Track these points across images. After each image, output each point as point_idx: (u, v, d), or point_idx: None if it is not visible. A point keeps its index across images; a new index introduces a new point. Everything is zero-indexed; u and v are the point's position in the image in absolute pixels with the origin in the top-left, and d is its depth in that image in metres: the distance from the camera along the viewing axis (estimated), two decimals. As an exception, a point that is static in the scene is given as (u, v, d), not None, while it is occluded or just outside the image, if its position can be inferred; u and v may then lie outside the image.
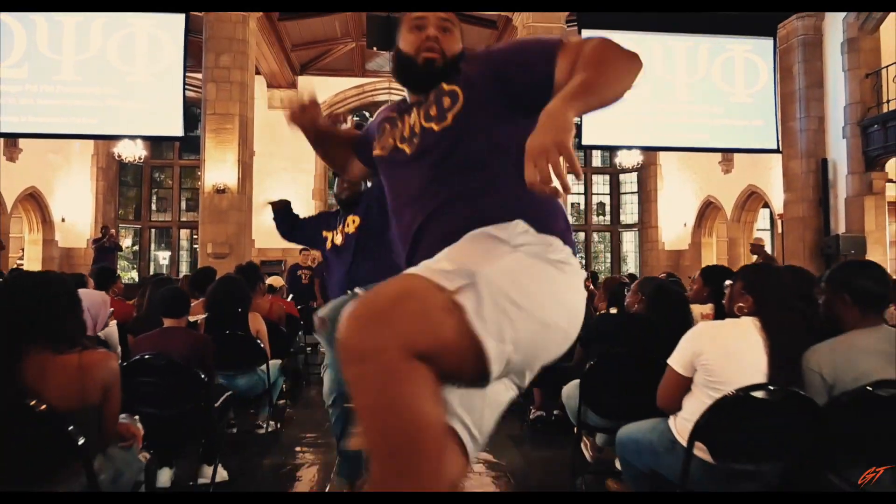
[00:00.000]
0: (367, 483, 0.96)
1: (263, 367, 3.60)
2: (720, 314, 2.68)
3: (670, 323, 2.55)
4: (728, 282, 2.29)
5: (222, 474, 2.96)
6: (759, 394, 1.77)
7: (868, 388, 1.76)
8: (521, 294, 1.05)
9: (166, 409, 2.49)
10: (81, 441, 1.54)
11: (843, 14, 10.22)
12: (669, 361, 2.03)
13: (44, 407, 1.54)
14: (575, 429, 2.71)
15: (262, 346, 3.48)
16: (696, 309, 2.89)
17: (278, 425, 4.06)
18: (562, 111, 1.04)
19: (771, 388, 1.76)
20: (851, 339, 1.83)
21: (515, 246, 1.14)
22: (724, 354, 1.89)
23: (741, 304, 1.98)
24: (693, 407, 1.91)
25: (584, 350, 2.88)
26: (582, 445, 3.28)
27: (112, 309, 4.02)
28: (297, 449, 3.82)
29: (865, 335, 1.83)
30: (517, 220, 1.17)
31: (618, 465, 2.67)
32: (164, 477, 2.74)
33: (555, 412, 4.02)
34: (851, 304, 1.87)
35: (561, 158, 0.98)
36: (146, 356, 2.43)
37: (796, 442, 1.77)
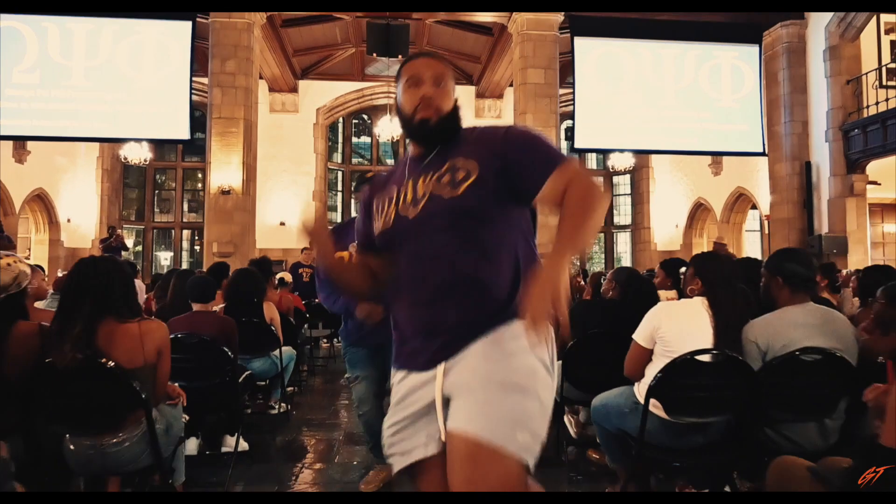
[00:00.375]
0: None
1: (276, 352, 3.94)
2: (682, 297, 3.04)
3: (641, 306, 2.90)
4: (682, 269, 2.64)
5: (243, 445, 3.31)
6: (704, 358, 2.12)
7: (796, 353, 2.12)
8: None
9: (196, 382, 2.82)
10: (144, 395, 1.89)
11: (826, 22, 10.61)
12: (634, 336, 2.39)
13: (112, 364, 1.89)
14: (556, 401, 3.05)
15: (275, 332, 3.82)
16: (663, 294, 3.24)
17: (288, 407, 4.40)
18: (560, 267, 1.24)
19: (714, 352, 2.11)
20: (783, 314, 2.19)
21: (532, 348, 1.35)
22: (677, 328, 2.24)
23: (692, 287, 2.34)
24: (652, 373, 2.26)
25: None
26: (566, 422, 3.62)
27: (146, 296, 4.36)
28: (305, 428, 4.16)
29: (794, 311, 2.19)
30: (515, 319, 1.34)
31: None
32: (192, 445, 3.08)
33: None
34: (783, 286, 2.22)
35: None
36: (180, 335, 2.77)
37: (736, 400, 2.12)
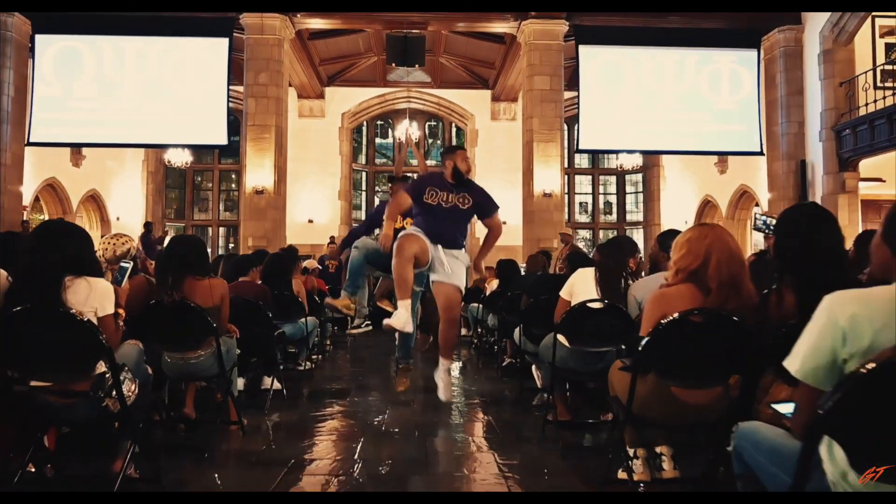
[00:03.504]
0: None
1: (303, 319, 4.90)
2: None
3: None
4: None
5: (277, 385, 4.28)
6: (596, 305, 3.02)
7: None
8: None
9: (242, 333, 3.78)
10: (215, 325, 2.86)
11: (821, 27, 11.20)
12: (560, 293, 3.28)
13: (193, 304, 2.86)
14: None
15: (302, 303, 4.79)
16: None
17: (313, 366, 5.38)
18: (480, 261, 4.10)
19: (605, 301, 3.00)
20: (656, 277, 3.04)
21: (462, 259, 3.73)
22: (586, 286, 3.15)
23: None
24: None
25: (528, 298, 4.14)
26: (534, 374, 4.48)
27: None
28: (327, 383, 5.12)
29: (660, 276, 3.04)
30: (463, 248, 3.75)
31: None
32: (240, 383, 4.05)
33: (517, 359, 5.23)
34: (667, 258, 3.08)
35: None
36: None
37: (618, 335, 3.01)
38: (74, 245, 2.17)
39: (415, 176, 5.32)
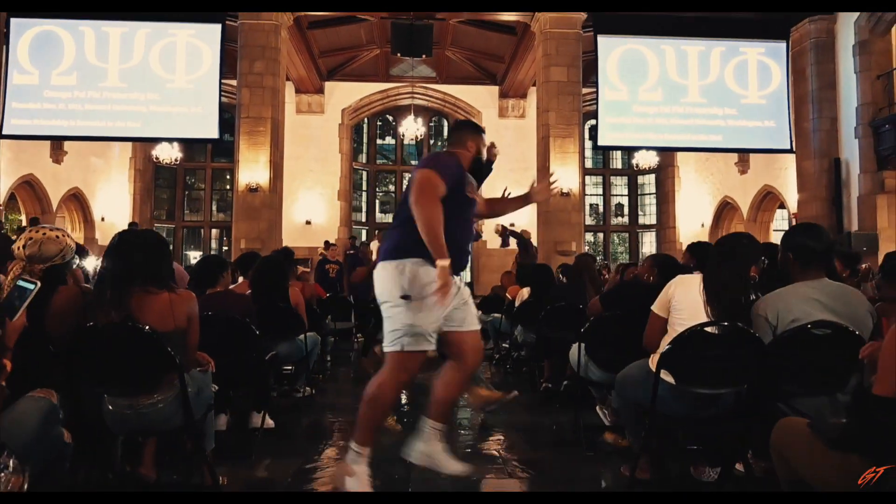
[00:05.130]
0: None
1: (301, 336, 4.05)
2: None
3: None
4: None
5: (269, 423, 3.42)
6: (713, 329, 2.18)
7: (808, 326, 2.14)
8: None
9: (223, 359, 2.94)
10: (177, 358, 2.01)
11: (855, 17, 10.44)
12: (652, 307, 2.45)
13: (147, 327, 2.01)
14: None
15: (301, 316, 3.94)
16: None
17: (313, 391, 4.52)
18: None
19: (724, 324, 2.16)
20: (794, 288, 2.22)
21: None
22: (691, 297, 2.33)
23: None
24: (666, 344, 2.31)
25: (602, 308, 3.29)
26: (599, 412, 3.62)
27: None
28: (329, 411, 4.27)
29: (805, 286, 2.22)
30: None
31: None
32: (221, 421, 3.20)
33: (564, 383, 4.39)
34: (793, 261, 2.25)
35: None
36: (209, 313, 2.90)
37: (745, 371, 2.17)
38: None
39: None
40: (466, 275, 13.91)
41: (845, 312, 2.15)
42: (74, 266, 2.42)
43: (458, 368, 2.50)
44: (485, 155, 2.67)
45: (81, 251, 4.51)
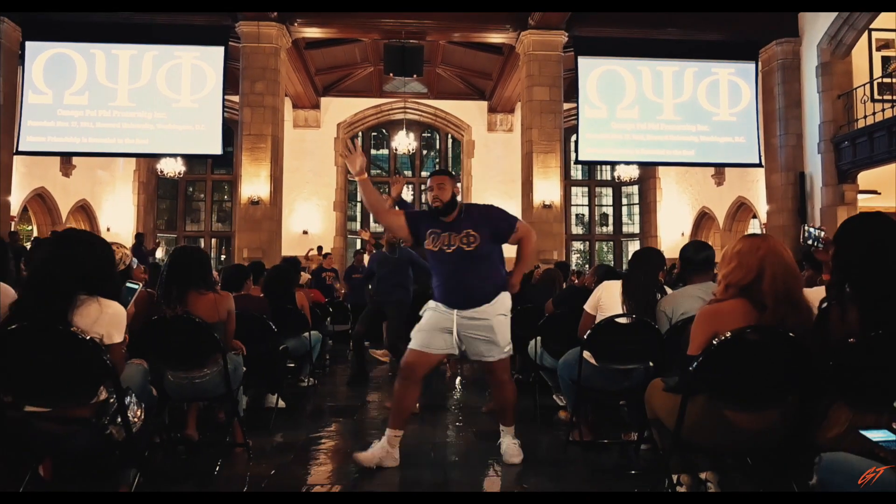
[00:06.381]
0: None
1: (306, 334, 4.70)
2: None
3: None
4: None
5: (281, 403, 4.07)
6: (623, 320, 2.85)
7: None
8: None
9: (247, 349, 3.59)
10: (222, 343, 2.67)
11: (818, 40, 11.22)
12: (584, 306, 3.12)
13: (198, 319, 2.67)
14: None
15: (306, 317, 4.60)
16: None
17: (315, 382, 5.17)
18: (517, 279, 3.18)
19: (633, 316, 2.84)
20: (683, 290, 2.90)
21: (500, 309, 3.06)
22: (613, 299, 2.99)
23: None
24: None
25: (553, 309, 3.99)
26: (556, 398, 4.29)
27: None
28: (331, 401, 4.92)
29: (692, 287, 2.89)
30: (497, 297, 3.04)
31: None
32: (243, 400, 3.84)
33: (532, 375, 5.05)
34: (684, 268, 2.94)
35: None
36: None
37: (647, 352, 2.84)
38: (95, 258, 1.97)
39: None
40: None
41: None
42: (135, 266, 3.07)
43: (493, 384, 3.24)
44: (439, 194, 3.01)
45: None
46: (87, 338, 1.77)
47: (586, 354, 2.87)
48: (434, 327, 3.04)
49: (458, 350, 3.06)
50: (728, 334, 1.91)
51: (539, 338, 3.80)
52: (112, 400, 1.82)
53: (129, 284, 2.21)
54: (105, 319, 1.89)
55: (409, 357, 3.06)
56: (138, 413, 1.90)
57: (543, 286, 5.18)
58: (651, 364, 2.90)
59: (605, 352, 2.87)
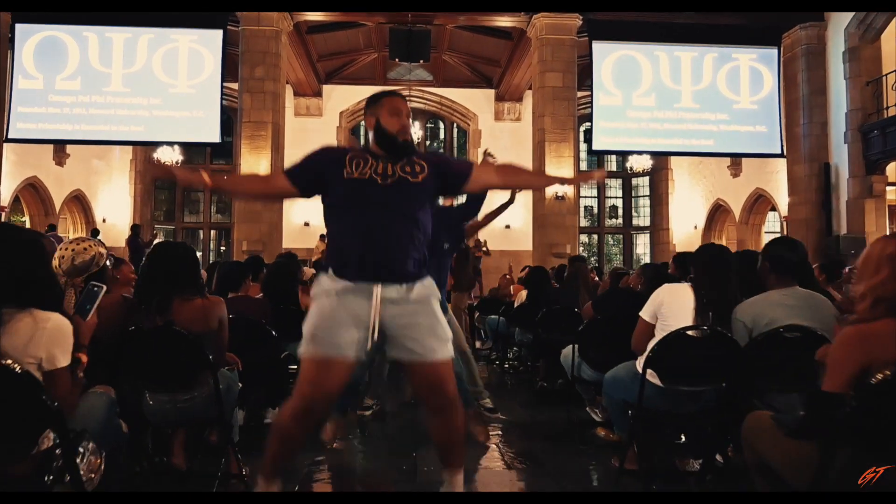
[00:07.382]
0: None
1: (310, 337, 4.24)
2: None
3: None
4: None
5: (282, 418, 3.61)
6: (694, 333, 2.38)
7: (780, 329, 2.35)
8: None
9: (243, 358, 3.14)
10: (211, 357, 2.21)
11: (846, 24, 10.69)
12: (640, 313, 2.65)
13: (184, 330, 2.20)
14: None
15: (309, 318, 4.13)
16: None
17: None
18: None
19: (704, 328, 2.37)
20: (767, 296, 2.43)
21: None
22: (678, 305, 2.52)
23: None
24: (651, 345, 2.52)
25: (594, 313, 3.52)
26: (590, 412, 3.82)
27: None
28: (335, 412, 4.45)
29: (778, 293, 2.42)
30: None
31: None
32: (238, 416, 3.39)
33: (559, 381, 4.61)
34: (769, 270, 2.46)
35: None
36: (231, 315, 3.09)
37: (724, 371, 2.38)
38: (23, 258, 1.50)
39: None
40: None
41: (814, 317, 2.35)
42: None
43: (428, 410, 2.19)
44: (389, 124, 2.11)
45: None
46: (19, 370, 1.31)
47: (650, 373, 2.40)
48: (337, 317, 1.97)
49: (372, 349, 2.01)
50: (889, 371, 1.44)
51: (576, 345, 3.32)
52: (58, 451, 1.37)
53: (91, 286, 1.72)
54: (43, 337, 1.46)
55: (307, 375, 2.03)
56: (96, 463, 1.46)
57: (569, 283, 4.71)
58: (725, 385, 2.44)
59: (673, 370, 2.40)
